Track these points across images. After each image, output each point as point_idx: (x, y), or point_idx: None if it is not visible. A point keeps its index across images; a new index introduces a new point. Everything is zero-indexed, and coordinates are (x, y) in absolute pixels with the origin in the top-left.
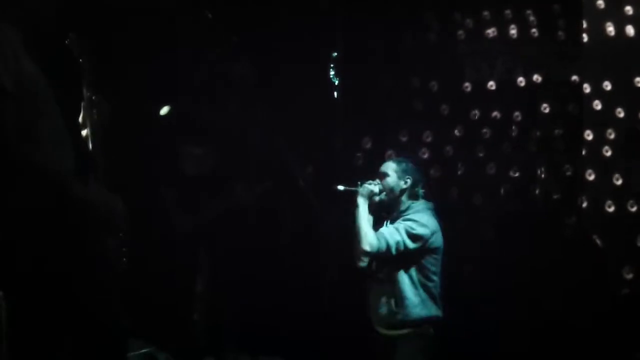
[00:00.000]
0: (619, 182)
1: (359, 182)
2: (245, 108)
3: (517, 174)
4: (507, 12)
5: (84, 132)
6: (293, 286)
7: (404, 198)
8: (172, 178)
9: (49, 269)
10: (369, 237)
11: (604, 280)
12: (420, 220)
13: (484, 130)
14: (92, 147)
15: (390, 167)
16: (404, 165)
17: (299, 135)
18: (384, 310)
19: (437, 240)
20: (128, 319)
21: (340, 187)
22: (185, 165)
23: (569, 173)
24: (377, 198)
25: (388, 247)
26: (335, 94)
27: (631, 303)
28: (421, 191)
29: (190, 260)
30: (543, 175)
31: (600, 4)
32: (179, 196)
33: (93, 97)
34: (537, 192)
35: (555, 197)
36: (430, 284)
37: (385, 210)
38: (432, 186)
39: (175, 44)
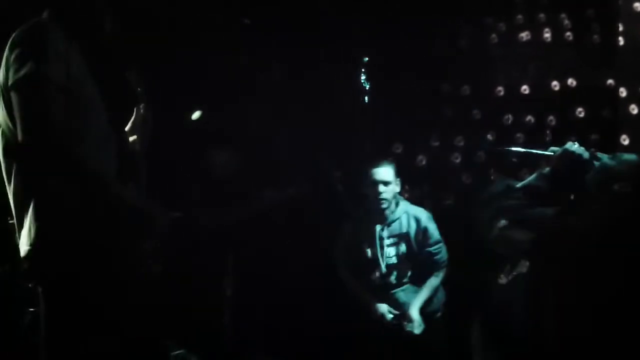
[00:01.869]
0: None
1: None
2: (274, 112)
3: None
4: (542, 15)
5: (130, 138)
6: (322, 292)
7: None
8: (201, 182)
9: (86, 268)
10: None
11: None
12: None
13: (518, 135)
14: (137, 152)
15: (390, 173)
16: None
17: (329, 140)
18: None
19: None
20: (161, 324)
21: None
22: (214, 169)
23: None
24: None
25: None
26: (366, 98)
27: None
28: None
29: (219, 264)
30: None
31: (636, 7)
32: (208, 200)
33: (142, 105)
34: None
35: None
36: None
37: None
38: (462, 192)
39: (206, 49)
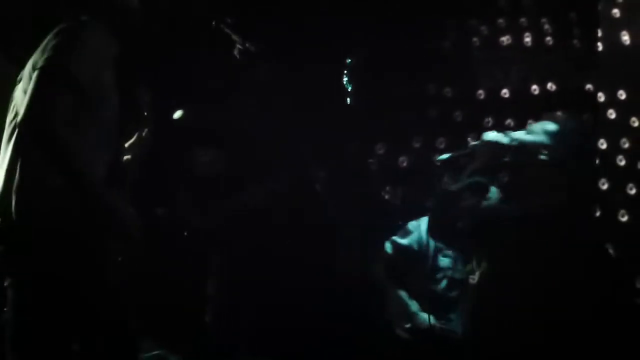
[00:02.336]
0: (633, 191)
1: None
2: (258, 111)
3: None
4: (522, 19)
5: (127, 147)
6: (307, 290)
7: None
8: (183, 179)
9: (61, 265)
10: None
11: (617, 289)
12: None
13: None
14: (130, 161)
15: None
16: None
17: (312, 140)
18: None
19: None
20: (139, 321)
21: None
22: (197, 167)
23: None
24: None
25: None
26: (349, 99)
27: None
28: None
29: (202, 262)
30: None
31: (615, 13)
32: (191, 197)
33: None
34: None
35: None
36: None
37: None
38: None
39: (191, 47)
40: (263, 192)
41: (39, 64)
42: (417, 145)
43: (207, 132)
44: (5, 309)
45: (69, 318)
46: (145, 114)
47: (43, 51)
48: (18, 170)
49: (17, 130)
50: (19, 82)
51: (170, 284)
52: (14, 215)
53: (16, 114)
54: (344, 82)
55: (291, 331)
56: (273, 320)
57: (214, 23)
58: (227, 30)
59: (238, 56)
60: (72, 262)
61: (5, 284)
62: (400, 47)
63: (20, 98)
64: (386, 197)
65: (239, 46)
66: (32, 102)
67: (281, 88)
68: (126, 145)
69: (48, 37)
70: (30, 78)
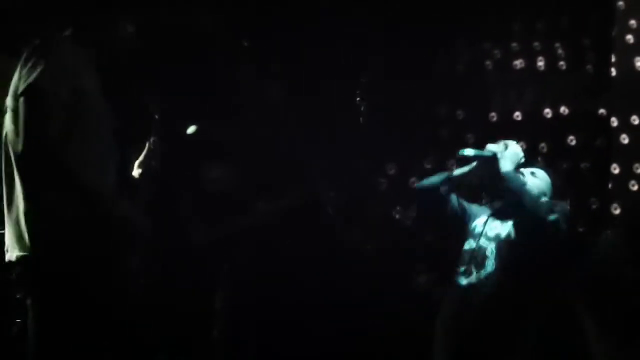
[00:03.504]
0: None
1: None
2: (270, 128)
3: None
4: (536, 44)
5: (138, 158)
6: (313, 306)
7: None
8: (193, 194)
9: (75, 277)
10: None
11: (629, 315)
12: None
13: None
14: (142, 173)
15: None
16: None
17: (324, 159)
18: None
19: None
20: (149, 333)
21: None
22: (205, 182)
23: (594, 206)
24: None
25: None
26: (361, 118)
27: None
28: None
29: (209, 276)
30: (568, 208)
31: (629, 39)
32: (200, 212)
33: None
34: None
35: (580, 230)
36: None
37: None
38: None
39: (202, 63)
40: (272, 209)
41: (20, 90)
42: (428, 166)
43: (216, 148)
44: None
45: (88, 331)
46: (156, 124)
47: (20, 77)
48: (25, 201)
49: (16, 162)
50: (6, 111)
51: (177, 298)
52: (29, 247)
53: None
54: (356, 101)
55: (298, 347)
56: (280, 335)
57: (226, 39)
58: (240, 46)
59: (249, 72)
60: (91, 277)
61: (22, 297)
62: (413, 67)
63: (10, 130)
64: (397, 216)
65: (250, 62)
66: (25, 127)
67: (292, 105)
68: (139, 156)
69: (22, 60)
70: (14, 108)
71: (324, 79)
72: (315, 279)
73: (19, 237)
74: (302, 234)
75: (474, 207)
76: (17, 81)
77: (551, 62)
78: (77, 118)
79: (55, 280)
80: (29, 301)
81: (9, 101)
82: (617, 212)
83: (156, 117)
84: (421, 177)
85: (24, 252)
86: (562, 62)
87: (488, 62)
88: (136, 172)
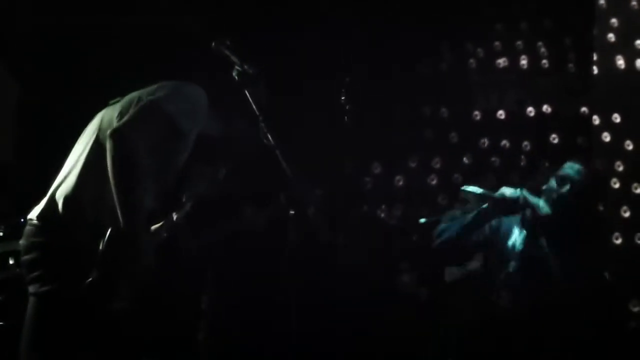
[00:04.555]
0: (627, 214)
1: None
2: (255, 130)
3: None
4: (519, 43)
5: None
6: (300, 309)
7: None
8: (181, 198)
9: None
10: None
11: (611, 312)
12: None
13: (493, 159)
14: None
15: None
16: None
17: (309, 159)
18: None
19: None
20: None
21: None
22: (194, 186)
23: None
24: None
25: None
26: (346, 118)
27: (638, 337)
28: None
29: (197, 280)
30: None
31: (610, 37)
32: (186, 217)
33: None
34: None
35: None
36: None
37: None
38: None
39: (190, 67)
40: (261, 213)
41: (147, 98)
42: (413, 164)
43: (205, 152)
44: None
45: (80, 332)
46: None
47: (153, 92)
48: (80, 175)
49: (98, 136)
50: (111, 104)
51: (163, 301)
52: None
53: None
54: (341, 102)
55: (284, 349)
56: (265, 337)
57: (213, 43)
58: (226, 50)
59: (236, 76)
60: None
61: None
62: (397, 66)
63: (108, 114)
64: (382, 216)
65: (237, 66)
66: (129, 119)
67: (277, 109)
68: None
69: (159, 85)
70: (130, 105)
71: (307, 78)
72: (301, 280)
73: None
74: (286, 235)
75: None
76: (146, 92)
77: (534, 61)
78: (170, 144)
79: (57, 272)
80: (31, 298)
81: (125, 100)
82: (600, 209)
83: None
84: (406, 176)
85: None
86: (544, 62)
87: (471, 61)
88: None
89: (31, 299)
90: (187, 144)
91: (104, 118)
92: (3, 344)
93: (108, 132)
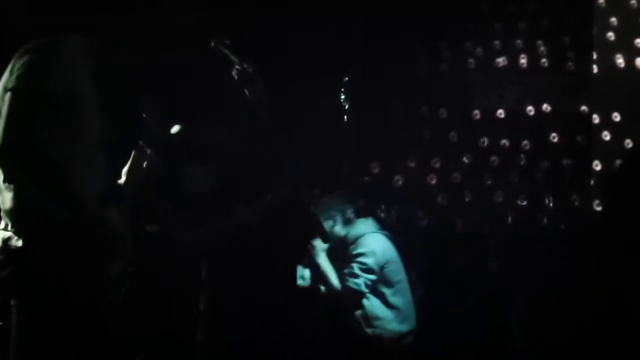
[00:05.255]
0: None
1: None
2: (252, 128)
3: (524, 203)
4: (518, 42)
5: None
6: (295, 308)
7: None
8: (173, 197)
9: (56, 283)
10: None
11: (607, 310)
12: (369, 248)
13: (493, 158)
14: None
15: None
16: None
17: (307, 158)
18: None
19: (394, 271)
20: (132, 335)
21: None
22: (187, 184)
23: (576, 203)
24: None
25: (361, 294)
26: (345, 117)
27: (628, 333)
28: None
29: (193, 279)
30: (550, 205)
31: (610, 36)
32: (180, 215)
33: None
34: (544, 221)
35: (562, 227)
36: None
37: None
38: (439, 213)
39: (184, 64)
40: (254, 209)
41: (10, 85)
42: (412, 164)
43: (198, 149)
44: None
45: (68, 335)
46: (146, 131)
47: (12, 71)
48: (13, 197)
49: None
50: None
51: (160, 301)
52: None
53: None
54: (339, 101)
55: (282, 348)
56: (264, 336)
57: (212, 43)
58: (225, 50)
59: (231, 73)
60: (71, 283)
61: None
62: (396, 65)
63: None
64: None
65: (232, 63)
66: (8, 125)
67: (274, 105)
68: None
69: (16, 56)
70: (2, 101)
71: (305, 77)
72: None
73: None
74: (283, 233)
75: None
76: (7, 76)
77: (533, 60)
78: (66, 122)
79: (34, 279)
80: (12, 302)
81: None
82: (599, 208)
83: (146, 122)
84: (405, 176)
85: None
86: (544, 61)
87: (471, 61)
88: (124, 178)
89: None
90: (86, 108)
91: None
92: (3, 344)
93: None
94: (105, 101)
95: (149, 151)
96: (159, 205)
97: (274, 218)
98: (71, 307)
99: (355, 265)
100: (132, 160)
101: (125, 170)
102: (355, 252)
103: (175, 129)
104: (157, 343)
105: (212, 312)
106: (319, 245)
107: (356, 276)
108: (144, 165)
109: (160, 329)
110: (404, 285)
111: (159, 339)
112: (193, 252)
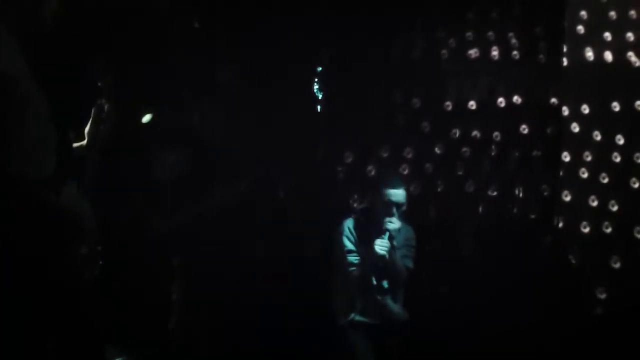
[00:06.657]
0: (595, 203)
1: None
2: (226, 115)
3: (495, 193)
4: (490, 33)
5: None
6: (272, 293)
7: None
8: (147, 182)
9: (19, 272)
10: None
11: (578, 300)
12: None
13: (464, 149)
14: (88, 155)
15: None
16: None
17: (281, 146)
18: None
19: None
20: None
21: None
22: (161, 170)
23: (546, 193)
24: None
25: None
26: (319, 107)
27: (604, 323)
28: None
29: (166, 265)
30: (521, 195)
31: (580, 29)
32: (155, 201)
33: (104, 109)
34: (514, 211)
35: (532, 216)
36: None
37: None
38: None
39: (156, 48)
40: (227, 194)
41: None
42: (385, 154)
43: (171, 134)
44: None
45: (32, 321)
46: (101, 90)
47: None
48: None
49: None
50: None
51: (133, 288)
52: None
53: None
54: (312, 87)
55: (255, 333)
56: (238, 324)
57: (179, 24)
58: (193, 32)
59: (204, 57)
60: (28, 269)
61: None
62: (368, 55)
63: None
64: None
65: (204, 48)
66: None
67: (247, 90)
68: (85, 140)
69: None
70: None
71: (278, 64)
72: (270, 266)
73: None
74: (254, 220)
75: None
76: None
77: (504, 51)
78: (7, 104)
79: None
80: None
81: None
82: (568, 199)
83: (100, 84)
84: (377, 165)
85: None
86: (515, 52)
87: (443, 52)
88: (85, 141)
89: None
90: (18, 88)
91: None
92: None
93: None
94: (46, 75)
95: (105, 108)
96: (131, 190)
97: (248, 203)
98: (40, 288)
99: (410, 247)
100: (92, 118)
101: (87, 130)
102: (408, 235)
103: (147, 116)
104: (129, 332)
105: (186, 300)
106: (391, 225)
107: (410, 257)
108: (104, 117)
109: (133, 318)
110: None
111: (131, 328)
112: (166, 238)
